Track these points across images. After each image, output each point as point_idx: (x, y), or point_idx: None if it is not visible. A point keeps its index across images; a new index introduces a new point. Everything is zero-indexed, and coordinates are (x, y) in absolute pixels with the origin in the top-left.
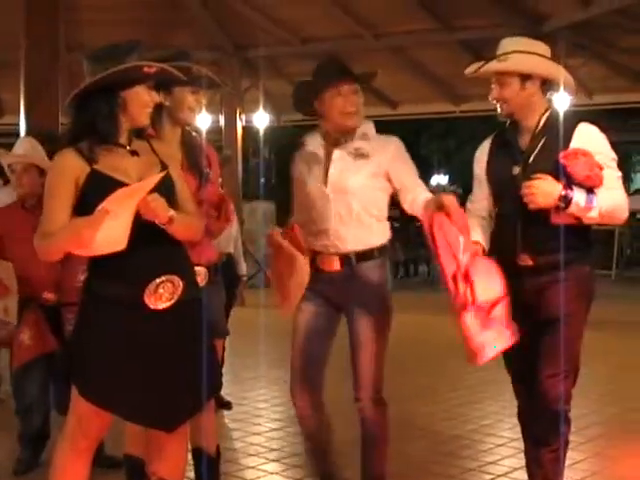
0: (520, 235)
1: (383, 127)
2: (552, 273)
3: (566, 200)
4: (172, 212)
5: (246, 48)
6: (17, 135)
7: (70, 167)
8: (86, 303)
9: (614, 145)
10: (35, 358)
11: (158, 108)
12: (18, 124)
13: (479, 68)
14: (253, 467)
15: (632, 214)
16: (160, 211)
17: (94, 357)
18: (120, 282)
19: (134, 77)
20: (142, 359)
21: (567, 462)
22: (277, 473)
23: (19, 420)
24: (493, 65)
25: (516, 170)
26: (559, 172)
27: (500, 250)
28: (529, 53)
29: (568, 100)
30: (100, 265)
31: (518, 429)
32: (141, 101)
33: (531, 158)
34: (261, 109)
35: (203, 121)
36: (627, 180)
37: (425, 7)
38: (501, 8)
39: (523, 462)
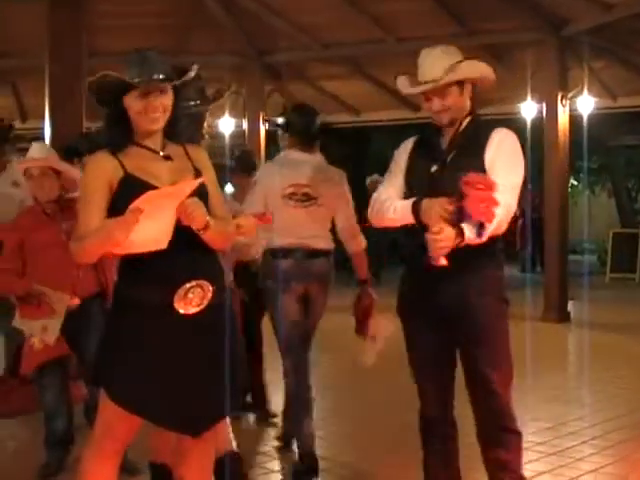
0: None
1: (404, 129)
2: (469, 278)
3: (461, 238)
4: (209, 218)
5: (268, 53)
6: (42, 139)
7: (104, 170)
8: (115, 306)
9: (637, 148)
10: (46, 363)
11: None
12: (41, 128)
13: (431, 85)
14: (278, 471)
15: None
16: (197, 216)
17: (123, 361)
18: (150, 286)
19: (120, 87)
20: (171, 363)
21: (592, 466)
22: None
23: (44, 425)
24: (451, 76)
25: (434, 168)
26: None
27: (414, 253)
28: (461, 61)
29: (592, 103)
30: (130, 269)
31: (543, 433)
32: (135, 108)
33: (449, 158)
34: None
35: (227, 125)
36: None
37: (447, 11)
38: (523, 12)
39: (548, 466)
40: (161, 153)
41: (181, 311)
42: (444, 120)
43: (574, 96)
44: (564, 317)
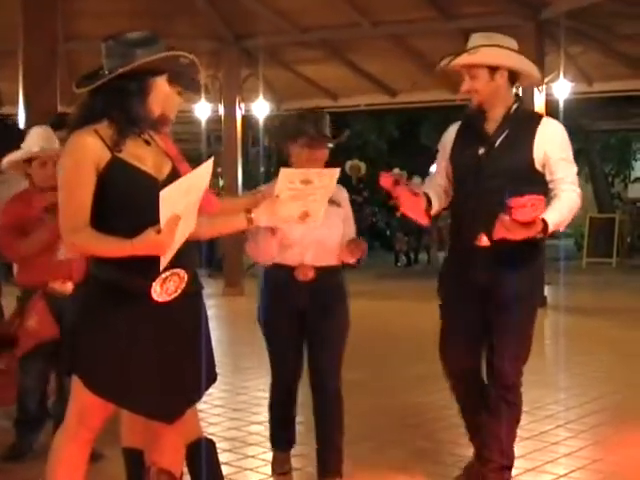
0: (480, 215)
1: (382, 114)
2: (508, 256)
3: (544, 233)
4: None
5: (246, 37)
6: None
7: (91, 152)
8: (90, 292)
9: (614, 132)
10: (38, 345)
11: None
12: (16, 114)
13: (450, 61)
14: (253, 456)
15: (633, 202)
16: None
17: (99, 348)
18: (128, 273)
19: (164, 67)
20: (147, 351)
21: (568, 450)
22: None
23: (17, 406)
24: (464, 58)
25: (481, 150)
26: (519, 163)
27: (460, 229)
28: (497, 46)
29: (568, 87)
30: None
31: None
32: (161, 91)
33: (497, 143)
34: (261, 98)
35: (203, 110)
36: (627, 167)
37: None
38: None
39: (524, 450)
40: (141, 136)
41: (157, 299)
42: (474, 102)
43: (551, 81)
44: (541, 302)
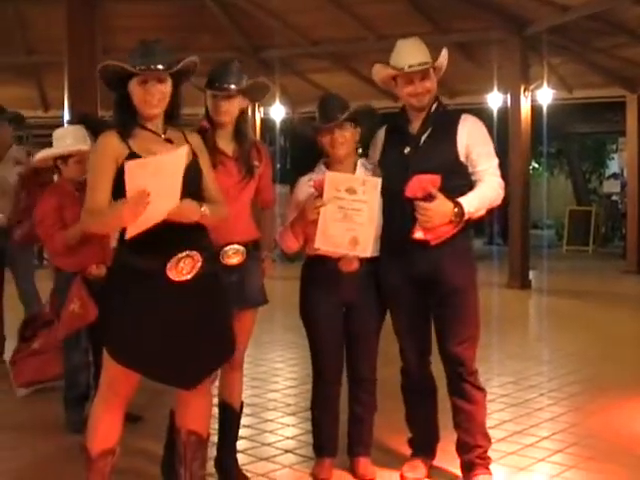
0: (412, 210)
1: (383, 117)
2: (442, 247)
3: (461, 214)
4: (204, 208)
5: (263, 49)
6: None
7: (111, 148)
8: (115, 273)
9: (591, 135)
10: (82, 326)
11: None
12: (62, 117)
13: (424, 63)
14: (272, 420)
15: (607, 196)
16: (192, 214)
17: (122, 322)
18: (146, 256)
19: (124, 74)
20: (165, 325)
21: (550, 415)
22: (293, 425)
23: (66, 383)
24: (441, 59)
25: (407, 149)
26: (444, 158)
27: (392, 226)
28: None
29: (551, 94)
30: (128, 239)
31: (507, 386)
32: (136, 94)
33: (421, 141)
34: (277, 103)
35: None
36: (602, 166)
37: (422, 12)
38: (489, 14)
39: (511, 415)
40: (163, 136)
41: (174, 278)
42: (425, 101)
43: (535, 88)
44: (526, 284)
